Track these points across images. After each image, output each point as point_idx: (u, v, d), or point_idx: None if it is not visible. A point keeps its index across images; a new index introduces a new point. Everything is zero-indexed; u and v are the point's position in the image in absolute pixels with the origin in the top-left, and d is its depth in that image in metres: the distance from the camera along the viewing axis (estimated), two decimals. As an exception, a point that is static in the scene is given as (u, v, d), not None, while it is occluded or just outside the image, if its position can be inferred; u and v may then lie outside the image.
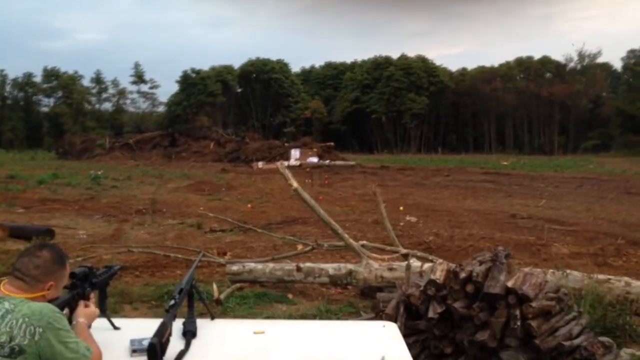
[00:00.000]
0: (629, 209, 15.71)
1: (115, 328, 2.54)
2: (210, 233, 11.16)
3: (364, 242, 6.96)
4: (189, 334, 2.48)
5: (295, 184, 6.21)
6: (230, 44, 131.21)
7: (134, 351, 2.28)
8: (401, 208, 14.98)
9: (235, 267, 6.42)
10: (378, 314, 4.12)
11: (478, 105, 71.47)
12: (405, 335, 3.95)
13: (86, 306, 2.29)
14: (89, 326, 2.25)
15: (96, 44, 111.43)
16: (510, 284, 3.56)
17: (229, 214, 13.12)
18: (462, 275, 3.70)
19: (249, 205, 15.68)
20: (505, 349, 3.55)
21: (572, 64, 75.25)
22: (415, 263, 5.52)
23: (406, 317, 3.94)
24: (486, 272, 3.67)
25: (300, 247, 7.55)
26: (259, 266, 6.36)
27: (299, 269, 6.04)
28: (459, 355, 3.79)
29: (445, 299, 3.77)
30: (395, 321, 4.09)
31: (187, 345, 2.38)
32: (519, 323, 3.45)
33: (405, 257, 5.90)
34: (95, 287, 2.47)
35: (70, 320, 2.16)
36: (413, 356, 3.92)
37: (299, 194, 6.17)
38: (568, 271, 5.09)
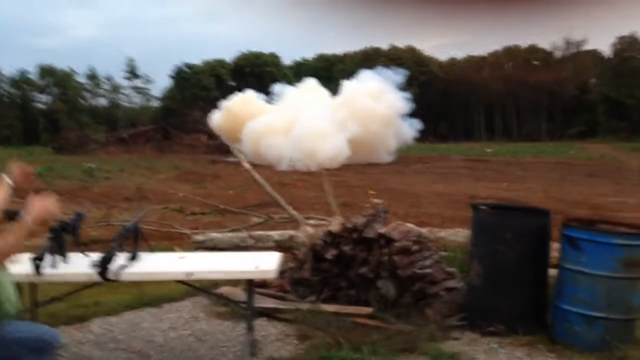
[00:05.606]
0: (581, 189, 17.00)
1: (87, 256, 3.75)
2: (190, 215, 12.39)
3: (311, 215, 8.22)
4: (131, 257, 3.72)
5: (247, 166, 7.43)
6: (224, 39, 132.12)
7: (93, 265, 3.51)
8: (371, 192, 16.19)
9: (199, 237, 7.66)
10: (294, 259, 5.37)
11: (468, 94, 72.63)
12: (312, 275, 5.21)
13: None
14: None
15: (90, 40, 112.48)
16: (382, 231, 4.80)
17: (211, 199, 14.35)
18: (349, 225, 4.94)
19: (231, 192, 16.90)
20: (380, 279, 4.79)
21: (559, 52, 76.56)
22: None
23: (313, 261, 5.19)
24: (366, 223, 4.91)
25: (254, 219, 8.79)
26: (219, 235, 7.60)
27: (251, 236, 7.28)
28: (352, 288, 5.02)
29: (339, 245, 5.00)
30: (305, 264, 5.35)
31: (129, 262, 3.62)
32: (386, 258, 4.69)
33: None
34: (69, 232, 3.66)
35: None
36: (317, 292, 5.18)
37: (250, 173, 7.40)
38: (458, 229, 6.34)
